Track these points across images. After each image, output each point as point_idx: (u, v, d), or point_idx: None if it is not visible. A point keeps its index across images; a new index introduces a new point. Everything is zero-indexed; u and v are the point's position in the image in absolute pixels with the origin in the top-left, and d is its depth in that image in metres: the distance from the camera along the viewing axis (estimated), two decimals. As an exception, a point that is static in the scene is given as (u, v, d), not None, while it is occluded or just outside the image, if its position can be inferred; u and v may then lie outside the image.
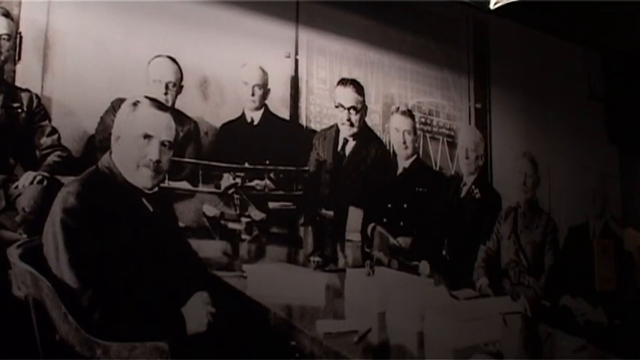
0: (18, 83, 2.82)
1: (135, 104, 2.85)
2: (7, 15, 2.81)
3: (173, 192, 3.15)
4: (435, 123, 4.20)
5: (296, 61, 3.64)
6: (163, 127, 2.88)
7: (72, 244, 2.59)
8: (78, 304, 2.55)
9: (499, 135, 4.50)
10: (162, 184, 2.96)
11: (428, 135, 4.15)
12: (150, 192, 2.86)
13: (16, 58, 2.82)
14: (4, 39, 2.80)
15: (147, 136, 2.82)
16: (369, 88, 3.91)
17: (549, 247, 4.56)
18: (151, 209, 2.86)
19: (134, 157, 2.80)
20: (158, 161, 2.83)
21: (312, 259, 3.56)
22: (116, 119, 2.86)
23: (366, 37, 3.92)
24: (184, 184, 3.23)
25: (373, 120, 3.93)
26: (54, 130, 2.86)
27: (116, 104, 2.95)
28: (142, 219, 2.84)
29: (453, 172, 4.24)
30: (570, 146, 4.95)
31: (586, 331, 4.54)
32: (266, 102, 3.53)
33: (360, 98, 3.83)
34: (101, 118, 2.96)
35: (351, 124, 3.79)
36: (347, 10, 3.83)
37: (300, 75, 3.65)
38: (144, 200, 2.85)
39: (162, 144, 2.85)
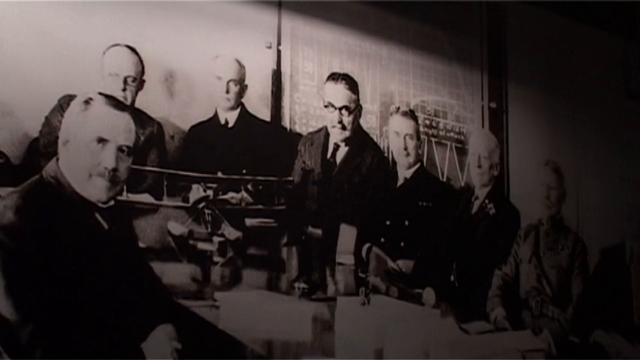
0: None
1: (87, 102, 2.83)
2: None
3: (132, 206, 3.16)
4: (441, 126, 4.21)
5: (278, 52, 3.66)
6: (121, 129, 2.86)
7: (9, 268, 2.56)
8: (15, 341, 2.54)
9: (517, 140, 4.52)
10: (119, 197, 2.95)
11: (433, 140, 4.16)
12: (104, 206, 2.85)
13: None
14: None
15: (101, 140, 2.80)
16: (365, 85, 3.93)
17: (577, 273, 4.56)
18: (105, 226, 2.85)
19: (86, 164, 2.78)
20: (114, 170, 2.82)
21: (296, 285, 3.56)
22: (64, 120, 2.84)
23: (362, 25, 3.94)
24: (146, 197, 3.24)
25: (369, 122, 3.94)
26: (-12, 133, 2.88)
27: (64, 102, 2.95)
28: (94, 238, 2.83)
29: (462, 184, 4.25)
30: (603, 153, 4.97)
31: (622, 373, 4.55)
32: (243, 100, 3.55)
33: (354, 96, 3.85)
34: (46, 118, 2.96)
35: (343, 127, 3.80)
36: (339, -7, 3.87)
37: (283, 69, 3.67)
38: (97, 216, 2.84)
39: (120, 149, 2.84)
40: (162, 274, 3.14)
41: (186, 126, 3.37)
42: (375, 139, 3.96)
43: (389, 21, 4.06)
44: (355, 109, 3.84)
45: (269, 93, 3.63)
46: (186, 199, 3.35)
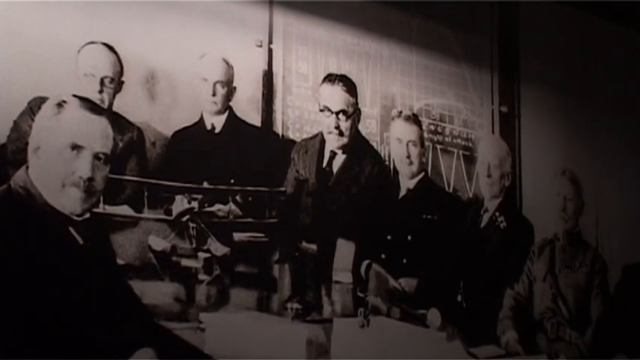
0: None
1: (60, 105, 2.83)
2: None
3: (110, 219, 3.16)
4: (447, 131, 4.22)
5: (270, 51, 3.66)
6: (97, 135, 2.86)
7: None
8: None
9: (531, 147, 4.53)
10: (95, 209, 2.94)
11: (439, 147, 4.17)
12: (79, 219, 2.84)
13: None
14: None
15: (75, 147, 2.79)
16: (364, 87, 3.94)
17: (597, 292, 4.56)
18: (80, 241, 2.84)
19: (59, 173, 2.77)
20: (90, 179, 2.81)
21: (289, 306, 3.56)
22: (35, 124, 2.83)
23: (360, 21, 3.95)
24: (124, 209, 3.24)
25: (369, 128, 3.95)
26: (-50, 139, 2.88)
27: (35, 105, 2.94)
28: (68, 254, 2.82)
29: (471, 195, 4.26)
30: (625, 162, 4.98)
31: (646, 404, 4.55)
32: (231, 104, 3.55)
33: (352, 100, 3.85)
34: (14, 122, 2.95)
35: (340, 133, 3.81)
36: (336, -14, 3.88)
37: (274, 69, 3.68)
38: (71, 230, 2.83)
39: (96, 157, 2.83)
40: (143, 293, 3.13)
41: (168, 131, 3.38)
42: (375, 146, 3.97)
43: (390, 17, 4.07)
44: (353, 113, 3.85)
45: (259, 96, 3.63)
46: (168, 212, 3.35)
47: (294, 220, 3.67)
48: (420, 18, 4.16)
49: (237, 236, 3.48)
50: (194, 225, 3.38)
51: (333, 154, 3.82)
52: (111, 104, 3.21)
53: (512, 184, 4.40)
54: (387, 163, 4.00)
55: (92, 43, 3.16)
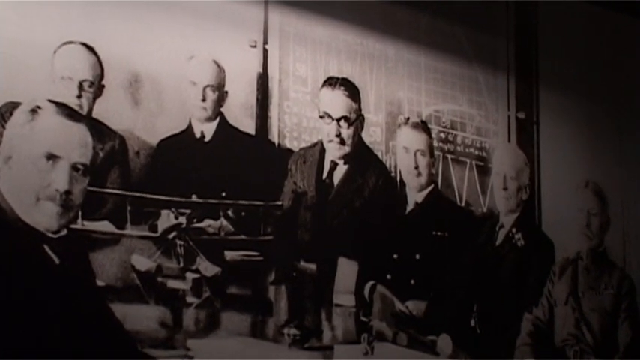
0: None
1: (34, 111, 2.82)
2: None
3: (89, 236, 3.16)
4: (459, 140, 4.22)
5: (264, 52, 3.67)
6: (75, 143, 2.85)
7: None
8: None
9: (551, 157, 4.53)
10: (73, 225, 2.94)
11: (450, 157, 4.17)
12: (55, 236, 2.84)
13: None
14: None
15: (51, 157, 2.79)
16: (368, 91, 3.95)
17: (625, 317, 4.54)
18: (56, 261, 2.83)
19: (32, 186, 2.76)
20: (67, 192, 2.80)
21: (286, 331, 3.56)
22: (6, 132, 2.83)
23: (364, 19, 3.96)
24: (105, 225, 3.24)
25: (373, 136, 3.96)
26: None
27: (6, 111, 2.95)
28: (43, 274, 2.81)
29: (485, 210, 4.26)
30: (655, 173, 4.98)
31: None
32: (222, 109, 3.56)
33: (355, 105, 3.86)
34: (-16, 130, 2.97)
35: (342, 142, 3.81)
36: (337, -18, 3.88)
37: (270, 72, 3.68)
38: (46, 248, 2.82)
39: (74, 168, 2.82)
40: (125, 317, 3.11)
41: (154, 140, 3.38)
42: (379, 156, 3.98)
43: (396, 14, 4.08)
44: (356, 120, 3.85)
45: (253, 101, 3.64)
46: (153, 228, 3.35)
47: (291, 237, 3.67)
48: (429, 16, 4.17)
49: (229, 255, 3.48)
50: (182, 242, 3.38)
51: (334, 165, 3.83)
52: (90, 110, 3.21)
53: (531, 197, 4.39)
54: (393, 174, 4.00)
55: (70, 43, 3.17)
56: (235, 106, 3.58)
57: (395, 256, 3.92)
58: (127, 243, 3.26)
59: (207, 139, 3.53)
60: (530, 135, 4.49)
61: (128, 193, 3.29)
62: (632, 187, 4.84)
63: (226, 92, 3.55)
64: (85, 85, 3.20)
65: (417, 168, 4.02)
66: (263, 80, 3.66)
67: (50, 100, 2.88)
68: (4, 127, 2.86)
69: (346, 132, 3.80)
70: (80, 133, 2.87)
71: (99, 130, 3.16)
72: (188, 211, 3.40)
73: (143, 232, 3.32)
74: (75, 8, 3.18)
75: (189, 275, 3.38)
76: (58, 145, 2.80)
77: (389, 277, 3.87)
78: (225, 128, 3.55)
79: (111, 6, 3.27)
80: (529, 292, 4.32)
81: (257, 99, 3.64)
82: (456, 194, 4.17)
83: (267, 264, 3.57)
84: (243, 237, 3.52)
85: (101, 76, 3.24)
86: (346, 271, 3.76)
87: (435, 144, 4.12)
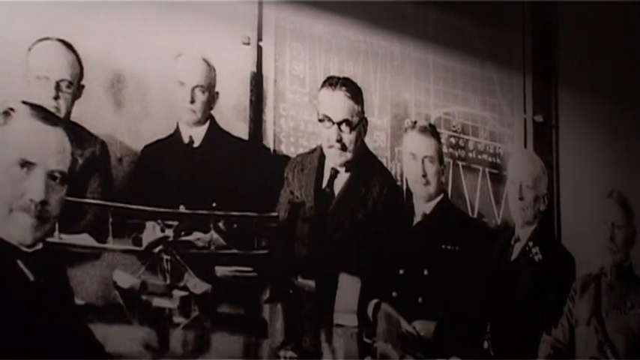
0: None
1: (7, 114, 2.82)
2: None
3: (67, 250, 3.15)
4: (471, 145, 4.23)
5: (259, 49, 3.68)
6: (52, 149, 2.84)
7: None
8: None
9: (572, 164, 4.54)
10: (49, 239, 2.93)
11: (461, 164, 4.18)
12: (30, 250, 2.83)
13: None
14: None
15: (26, 164, 2.78)
16: (371, 93, 3.95)
17: (653, 338, 4.56)
18: (31, 277, 2.83)
19: (5, 196, 2.76)
20: (43, 202, 2.80)
21: (282, 354, 3.57)
22: (-25, 137, 2.85)
23: (368, 14, 3.96)
24: (85, 239, 3.23)
25: (377, 141, 3.96)
26: None
27: (-23, 114, 2.94)
28: (16, 292, 2.81)
29: (499, 222, 4.26)
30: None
31: None
32: (213, 112, 3.56)
33: (357, 107, 3.85)
34: (-48, 134, 2.96)
35: (343, 148, 3.81)
36: (338, -26, 3.89)
37: (264, 71, 3.69)
38: (20, 263, 2.82)
39: (50, 176, 2.81)
40: (106, 339, 3.12)
41: (138, 145, 3.38)
42: (384, 163, 3.99)
43: (403, 9, 4.09)
44: (359, 124, 3.85)
45: (247, 103, 3.65)
46: (137, 242, 3.35)
47: (288, 251, 3.68)
48: (438, 10, 4.18)
49: (220, 271, 3.48)
50: (168, 257, 3.37)
51: (335, 173, 3.83)
52: (68, 113, 3.20)
53: (549, 208, 4.39)
54: (398, 183, 4.02)
55: (46, 39, 3.16)
56: (227, 109, 3.58)
57: (401, 271, 3.92)
58: (108, 258, 3.26)
59: (196, 144, 3.53)
60: (549, 140, 4.50)
61: (110, 204, 3.28)
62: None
63: (217, 93, 3.55)
64: (63, 85, 3.19)
65: (424, 176, 4.02)
66: (257, 80, 3.66)
67: (24, 102, 2.88)
68: (-27, 132, 2.87)
69: (348, 137, 3.80)
70: (57, 137, 2.86)
71: (78, 134, 3.15)
72: (175, 223, 3.40)
73: (126, 245, 3.32)
74: (52, 1, 3.18)
75: (177, 293, 3.37)
76: (33, 151, 2.79)
77: (394, 294, 3.87)
78: (215, 132, 3.56)
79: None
80: (547, 311, 4.33)
81: (251, 101, 3.64)
82: (468, 205, 4.18)
83: (262, 281, 3.57)
84: (235, 251, 3.52)
85: (80, 75, 3.23)
86: (348, 288, 3.76)
87: (445, 150, 4.13)
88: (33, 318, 2.81)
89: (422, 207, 4.03)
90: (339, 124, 3.79)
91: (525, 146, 4.42)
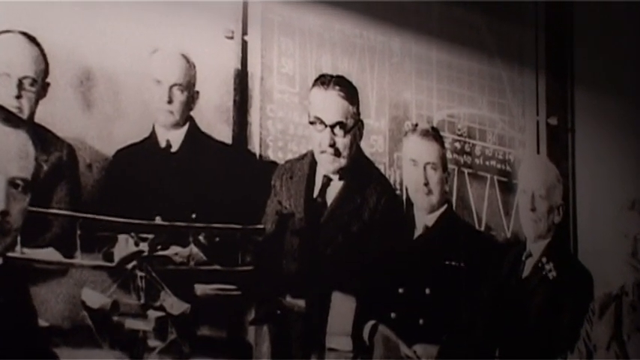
0: None
1: (-36, 115, 2.83)
2: None
3: (30, 266, 3.13)
4: (478, 151, 4.23)
5: (243, 44, 3.67)
6: (13, 154, 2.84)
7: None
8: None
9: (589, 171, 4.53)
10: (10, 253, 2.91)
11: (467, 171, 4.18)
12: (-11, 266, 2.83)
13: None
14: None
15: (-16, 171, 2.79)
16: (368, 92, 3.95)
17: (680, 366, 4.56)
18: (-10, 295, 2.83)
19: (-39, 205, 2.77)
20: (4, 213, 2.79)
21: (269, 381, 3.55)
22: None
23: (364, 6, 3.96)
24: (50, 253, 3.22)
25: (374, 146, 3.97)
26: None
27: None
28: (-27, 312, 2.81)
29: (509, 235, 4.26)
30: None
31: None
32: (192, 114, 3.56)
33: (352, 109, 3.85)
34: None
35: (337, 153, 3.81)
36: (330, -39, 3.89)
37: (250, 69, 3.69)
38: (-22, 280, 2.82)
39: (12, 184, 2.81)
40: (74, 365, 3.11)
41: (110, 150, 3.37)
42: (382, 170, 3.99)
43: (403, 0, 4.07)
44: (354, 126, 3.85)
45: (230, 103, 3.65)
46: (109, 257, 3.34)
47: (275, 267, 3.68)
48: (441, 2, 4.17)
49: (200, 289, 3.47)
50: (143, 274, 3.37)
51: (327, 181, 3.84)
52: (32, 113, 3.19)
53: (564, 220, 4.39)
54: (398, 192, 4.03)
55: (7, 32, 3.15)
56: (208, 110, 3.58)
57: (400, 290, 3.92)
58: (76, 274, 3.24)
59: (173, 148, 3.53)
60: (564, 144, 4.50)
61: (78, 214, 3.27)
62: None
63: (197, 93, 3.55)
64: (26, 83, 3.17)
65: (426, 184, 4.02)
66: (242, 78, 3.67)
67: (-18, 102, 2.89)
68: None
69: (342, 141, 3.80)
70: (19, 141, 2.85)
71: (42, 137, 3.14)
72: (151, 236, 3.39)
73: (96, 261, 3.31)
74: (14, -10, 3.18)
75: (152, 314, 3.36)
76: (-8, 156, 2.79)
77: (393, 315, 3.87)
78: (195, 136, 3.56)
79: (58, -12, 3.27)
80: (563, 334, 4.32)
81: (234, 101, 3.65)
82: (474, 216, 4.19)
83: (246, 300, 3.57)
84: (217, 267, 3.52)
85: (45, 72, 3.22)
86: (341, 308, 3.76)
87: (449, 155, 4.14)
88: (-8, 340, 2.81)
89: (423, 219, 4.04)
90: (333, 127, 3.79)
91: (538, 152, 4.43)
